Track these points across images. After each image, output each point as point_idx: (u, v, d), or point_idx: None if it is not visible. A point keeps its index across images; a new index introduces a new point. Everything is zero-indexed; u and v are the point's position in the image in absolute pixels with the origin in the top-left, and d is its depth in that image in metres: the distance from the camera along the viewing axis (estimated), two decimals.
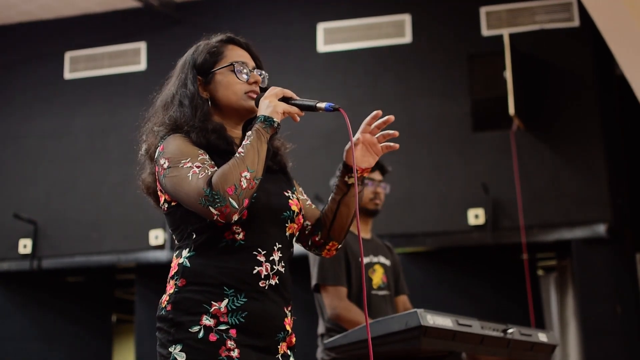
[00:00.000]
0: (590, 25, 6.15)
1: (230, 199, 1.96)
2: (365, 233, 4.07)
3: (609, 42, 5.54)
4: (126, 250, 7.49)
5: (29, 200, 7.86)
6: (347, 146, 2.26)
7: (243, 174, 1.98)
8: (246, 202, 1.99)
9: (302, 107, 2.14)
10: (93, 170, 7.74)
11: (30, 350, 7.94)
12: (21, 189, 7.94)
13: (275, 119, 2.08)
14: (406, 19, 7.33)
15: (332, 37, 7.45)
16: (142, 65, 7.85)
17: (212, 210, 1.97)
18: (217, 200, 1.96)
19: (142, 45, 7.92)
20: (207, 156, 2.08)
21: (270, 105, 2.10)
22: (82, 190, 7.76)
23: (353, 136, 2.26)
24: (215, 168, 2.03)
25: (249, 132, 2.07)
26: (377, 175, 4.07)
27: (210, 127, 2.15)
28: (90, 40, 8.08)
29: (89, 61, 8.06)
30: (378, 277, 3.94)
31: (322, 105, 2.12)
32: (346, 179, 2.28)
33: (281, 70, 7.17)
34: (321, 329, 3.89)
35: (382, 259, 4.01)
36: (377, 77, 7.35)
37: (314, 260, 3.87)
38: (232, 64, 2.22)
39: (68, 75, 8.11)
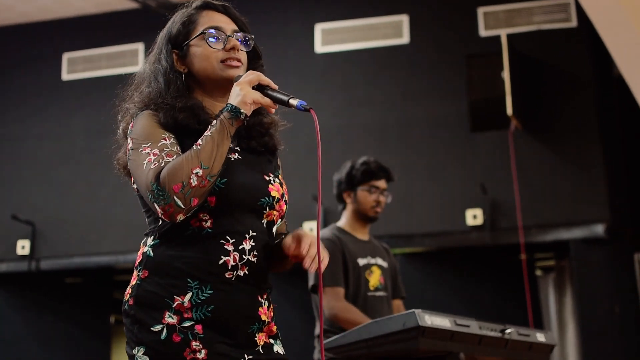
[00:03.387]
0: (588, 26, 6.16)
1: (175, 198, 1.81)
2: (363, 235, 4.07)
3: (607, 43, 5.54)
4: (124, 251, 7.48)
5: (27, 201, 7.85)
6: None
7: (194, 171, 1.81)
8: (195, 201, 1.83)
9: (275, 100, 1.94)
10: (91, 171, 7.73)
11: (28, 352, 7.93)
12: (19, 190, 7.93)
13: (242, 110, 1.89)
14: (404, 19, 7.34)
15: (329, 37, 7.46)
16: (139, 67, 7.83)
17: (157, 207, 1.84)
18: (161, 198, 1.81)
19: (139, 47, 7.91)
20: (171, 140, 1.93)
21: (240, 94, 1.91)
22: (80, 191, 7.76)
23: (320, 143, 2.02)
24: (173, 157, 1.87)
25: (214, 122, 1.90)
26: (382, 184, 4.07)
27: (180, 105, 1.99)
28: (88, 42, 8.08)
29: (86, 62, 8.06)
30: (375, 278, 3.94)
31: (294, 102, 1.91)
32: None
33: (279, 71, 7.17)
34: (318, 329, 3.89)
35: (380, 261, 4.02)
36: (375, 78, 7.35)
37: None
38: (203, 32, 2.04)
39: (66, 76, 8.11)
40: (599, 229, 6.49)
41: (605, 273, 6.59)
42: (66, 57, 8.12)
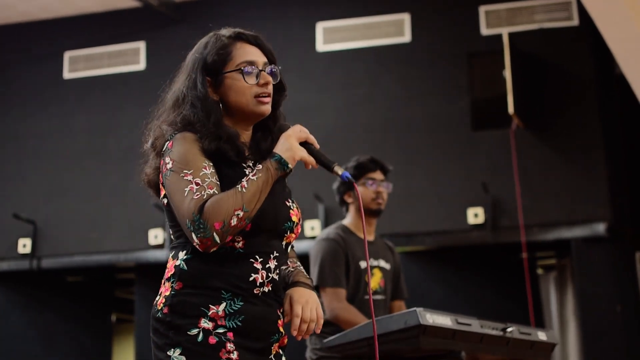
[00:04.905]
0: (590, 24, 6.15)
1: (214, 234, 1.94)
2: (369, 234, 4.04)
3: (608, 41, 5.54)
4: (126, 249, 7.49)
5: (28, 199, 7.86)
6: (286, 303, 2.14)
7: (236, 212, 1.96)
8: (229, 238, 1.99)
9: (319, 162, 2.11)
10: (92, 169, 7.74)
11: (30, 350, 7.94)
12: (20, 188, 7.94)
13: (290, 165, 2.06)
14: (405, 18, 7.33)
15: (331, 36, 7.45)
16: (141, 65, 7.85)
17: (194, 237, 1.96)
18: (202, 230, 1.94)
19: (141, 45, 7.91)
20: (211, 170, 2.04)
21: (290, 149, 2.07)
22: (82, 189, 7.76)
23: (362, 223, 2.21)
24: (214, 190, 2.00)
25: (259, 166, 2.04)
26: (378, 175, 4.03)
27: (225, 136, 2.10)
28: (90, 40, 8.08)
29: (88, 61, 8.06)
30: (375, 281, 3.93)
31: (339, 170, 2.09)
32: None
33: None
34: None
35: (382, 263, 4.00)
36: (377, 77, 7.35)
37: (314, 261, 3.86)
38: (240, 69, 2.15)
39: (67, 75, 8.11)
40: (600, 227, 6.49)
41: (607, 272, 6.59)
42: (67, 55, 8.13)
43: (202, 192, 1.98)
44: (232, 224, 1.95)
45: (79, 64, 8.09)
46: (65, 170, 7.86)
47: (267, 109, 2.16)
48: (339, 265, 3.80)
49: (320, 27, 7.49)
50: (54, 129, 8.00)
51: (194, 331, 2.00)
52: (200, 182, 2.00)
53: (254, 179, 2.01)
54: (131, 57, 7.92)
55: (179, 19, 7.76)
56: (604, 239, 6.50)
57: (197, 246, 1.97)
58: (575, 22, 6.94)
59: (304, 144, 2.11)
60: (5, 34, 8.36)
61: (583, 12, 6.56)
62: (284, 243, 2.17)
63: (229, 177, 2.06)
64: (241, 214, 1.95)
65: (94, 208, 7.67)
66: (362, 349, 2.77)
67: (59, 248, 7.70)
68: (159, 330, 2.05)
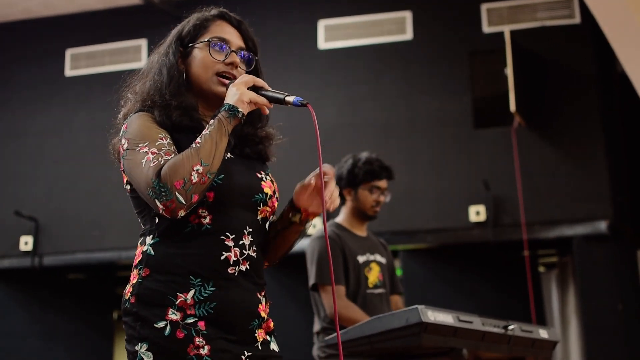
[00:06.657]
0: (591, 22, 6.15)
1: (177, 194, 1.82)
2: (362, 231, 4.08)
3: (610, 39, 5.53)
4: (127, 247, 7.48)
5: (30, 197, 7.86)
6: (298, 187, 2.06)
7: (195, 168, 1.84)
8: (195, 197, 1.85)
9: (271, 99, 1.98)
10: (94, 167, 7.74)
11: (31, 348, 7.95)
12: (22, 186, 7.95)
13: (240, 109, 1.93)
14: (407, 15, 7.33)
15: (333, 34, 7.45)
16: (143, 63, 7.84)
17: (158, 203, 1.84)
18: (163, 194, 1.82)
19: (143, 43, 7.91)
20: (168, 140, 1.95)
21: (236, 93, 1.94)
22: (83, 187, 7.77)
23: (317, 147, 2.01)
24: (172, 156, 1.89)
25: (212, 121, 1.93)
26: (384, 184, 4.06)
27: (175, 104, 2.02)
28: (91, 38, 8.09)
29: (89, 58, 8.06)
30: (374, 275, 3.94)
31: (290, 99, 1.95)
32: (290, 215, 2.09)
33: (282, 68, 7.17)
34: (317, 326, 3.89)
35: (378, 257, 4.02)
36: (378, 74, 7.34)
37: (311, 259, 3.86)
38: (209, 40, 2.09)
39: (69, 72, 8.11)
40: (602, 225, 6.49)
41: (608, 270, 6.59)
42: (69, 53, 8.13)
43: (160, 159, 1.87)
44: (194, 181, 1.83)
45: (80, 62, 8.10)
46: (67, 167, 7.86)
47: (225, 90, 2.03)
48: (337, 263, 3.81)
49: (322, 24, 7.49)
50: (55, 126, 8.00)
51: (161, 324, 1.88)
52: (156, 151, 1.90)
53: (207, 133, 1.89)
54: (133, 54, 7.92)
55: (180, 16, 7.73)
56: (606, 237, 6.50)
57: (162, 213, 1.85)
58: (576, 20, 6.94)
59: (254, 89, 1.98)
60: (7, 31, 8.37)
61: (585, 10, 6.56)
62: (259, 218, 2.04)
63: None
64: (200, 168, 1.84)
65: (96, 206, 7.67)
66: (363, 347, 2.77)
67: (61, 246, 7.70)
68: (128, 323, 1.94)
